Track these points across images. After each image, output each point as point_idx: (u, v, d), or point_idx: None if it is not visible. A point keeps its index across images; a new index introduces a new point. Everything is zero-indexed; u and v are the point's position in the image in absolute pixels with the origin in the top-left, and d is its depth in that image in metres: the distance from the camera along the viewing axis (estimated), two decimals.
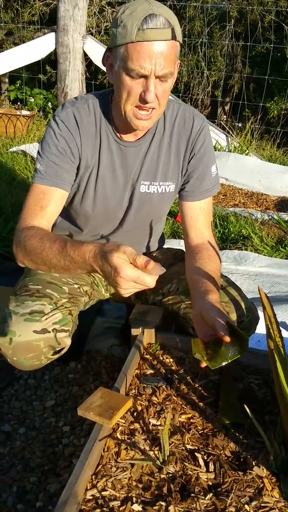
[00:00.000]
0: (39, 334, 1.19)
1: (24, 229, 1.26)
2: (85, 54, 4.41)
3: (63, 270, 1.20)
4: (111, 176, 1.35)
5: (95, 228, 1.46)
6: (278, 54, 6.67)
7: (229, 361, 1.06)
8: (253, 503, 0.91)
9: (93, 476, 0.96)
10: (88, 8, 4.49)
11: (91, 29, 5.36)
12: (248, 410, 1.02)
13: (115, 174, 1.35)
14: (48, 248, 1.18)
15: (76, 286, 1.39)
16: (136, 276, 0.99)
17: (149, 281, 1.00)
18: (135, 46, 1.10)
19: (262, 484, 0.95)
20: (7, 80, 7.37)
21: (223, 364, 1.06)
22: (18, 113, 4.84)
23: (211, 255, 1.35)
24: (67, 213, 1.48)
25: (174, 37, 1.12)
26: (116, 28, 1.13)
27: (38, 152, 1.32)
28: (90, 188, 1.36)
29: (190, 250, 1.40)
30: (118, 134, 1.32)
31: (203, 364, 1.09)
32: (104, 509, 0.90)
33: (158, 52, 1.10)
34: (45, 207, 1.28)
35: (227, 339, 1.04)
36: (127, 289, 1.03)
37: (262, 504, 0.91)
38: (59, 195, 1.30)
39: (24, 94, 6.50)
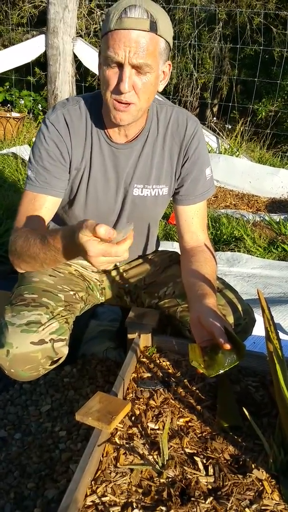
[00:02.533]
0: (37, 346, 1.18)
1: (13, 234, 1.27)
2: (75, 56, 4.39)
3: (53, 262, 1.18)
4: (102, 178, 1.34)
5: None
6: (267, 56, 6.70)
7: (227, 368, 1.05)
8: (254, 506, 0.91)
9: (92, 482, 0.96)
10: (78, 10, 4.48)
11: (80, 31, 5.35)
12: (246, 413, 1.02)
13: (106, 176, 1.34)
14: (33, 244, 1.16)
15: (72, 292, 1.38)
16: (103, 250, 0.95)
17: (118, 251, 0.95)
18: (112, 34, 1.11)
19: (262, 487, 0.95)
20: None
21: (220, 372, 1.05)
22: (7, 115, 4.81)
23: (207, 258, 1.34)
24: (59, 217, 1.47)
25: (153, 30, 1.11)
26: (104, 22, 1.15)
27: (29, 159, 1.32)
28: (82, 190, 1.35)
29: (186, 253, 1.40)
30: (109, 136, 1.31)
31: (200, 371, 1.09)
32: None
33: (132, 40, 1.10)
34: (36, 212, 1.29)
35: (227, 346, 1.04)
36: (101, 265, 0.99)
37: (262, 507, 0.91)
38: (50, 202, 1.31)
39: (13, 96, 6.46)
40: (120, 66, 1.13)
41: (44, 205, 1.30)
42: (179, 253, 1.50)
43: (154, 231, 1.53)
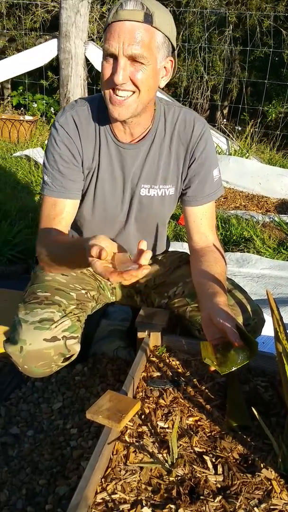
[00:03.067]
0: (49, 342, 1.19)
1: (39, 242, 1.34)
2: (86, 60, 4.41)
3: (78, 269, 1.33)
4: (110, 178, 1.34)
5: (96, 231, 1.45)
6: (276, 59, 6.66)
7: (239, 366, 1.05)
8: (262, 505, 0.91)
9: (102, 479, 0.96)
10: (89, 14, 4.49)
11: (92, 35, 5.36)
12: (255, 413, 1.01)
13: (113, 176, 1.34)
14: (58, 257, 1.25)
15: (83, 291, 1.38)
16: (103, 272, 0.98)
17: (111, 278, 0.98)
18: (109, 28, 1.13)
19: (271, 486, 0.94)
20: (9, 86, 7.37)
21: (233, 369, 1.05)
22: (21, 118, 4.84)
23: (217, 258, 1.34)
24: None
25: (148, 21, 1.11)
26: None
27: (44, 163, 1.33)
28: (90, 191, 1.36)
29: (195, 253, 1.39)
30: (116, 135, 1.30)
31: (212, 368, 1.09)
32: None
33: (126, 30, 1.10)
34: (57, 217, 1.32)
35: (240, 343, 1.04)
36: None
37: (271, 507, 0.91)
38: (69, 205, 1.33)
39: (26, 99, 6.50)
40: (115, 58, 1.13)
41: (64, 209, 1.33)
42: (189, 253, 1.49)
43: (162, 232, 1.53)
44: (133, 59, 1.12)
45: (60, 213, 1.32)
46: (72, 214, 1.35)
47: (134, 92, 1.16)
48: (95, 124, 1.30)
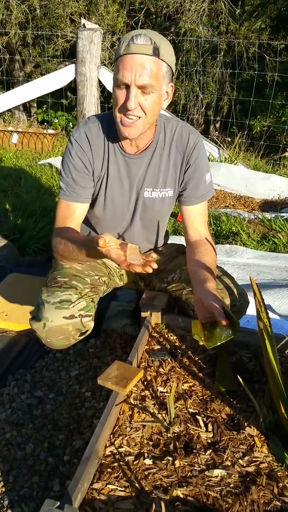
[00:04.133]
0: (68, 320, 1.18)
1: (54, 237, 1.32)
2: (99, 82, 4.35)
3: (89, 262, 1.34)
4: (118, 184, 1.33)
5: (107, 228, 1.44)
6: (261, 80, 6.56)
7: (223, 341, 1.04)
8: (246, 458, 0.90)
9: (111, 435, 0.95)
10: (102, 43, 4.43)
11: (104, 61, 5.29)
12: (240, 380, 1.00)
13: (121, 182, 1.33)
14: (72, 251, 1.23)
15: (96, 277, 1.37)
16: (116, 258, 1.01)
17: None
18: (121, 59, 1.10)
19: (253, 442, 0.93)
20: (35, 104, 7.33)
21: (218, 344, 1.04)
22: (44, 132, 4.80)
23: (208, 249, 1.32)
24: (85, 218, 1.46)
25: (156, 54, 1.09)
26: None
27: (60, 172, 1.33)
28: (101, 194, 1.35)
29: (190, 245, 1.37)
30: (123, 147, 1.29)
31: (201, 343, 1.07)
32: (121, 463, 0.89)
33: (137, 64, 1.08)
34: (70, 217, 1.32)
35: (224, 322, 1.02)
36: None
37: (253, 459, 0.90)
38: (80, 207, 1.33)
39: (49, 116, 6.46)
40: (128, 87, 1.11)
41: (76, 211, 1.32)
42: (185, 245, 1.48)
43: (162, 228, 1.51)
44: (143, 88, 1.11)
45: (72, 214, 1.32)
46: (82, 215, 1.35)
47: (141, 116, 1.15)
48: (104, 138, 1.28)
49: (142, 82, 1.09)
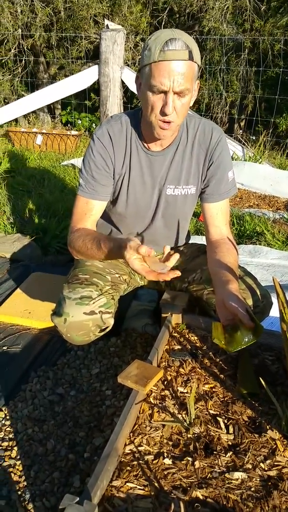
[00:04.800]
0: (88, 316, 1.19)
1: (73, 232, 1.33)
2: (122, 82, 4.37)
3: (106, 260, 1.32)
4: (140, 181, 1.33)
5: (129, 226, 1.45)
6: (286, 77, 6.44)
7: (244, 346, 1.02)
8: (267, 462, 0.88)
9: (130, 434, 0.95)
10: (125, 44, 4.45)
11: (127, 61, 5.31)
12: (263, 382, 0.99)
13: (143, 179, 1.33)
14: (90, 248, 1.25)
15: (117, 275, 1.38)
16: (140, 269, 1.05)
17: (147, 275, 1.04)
18: (157, 65, 1.08)
19: (275, 446, 0.92)
20: (59, 106, 7.43)
21: (238, 348, 1.02)
22: (68, 133, 4.86)
23: (229, 249, 1.31)
24: (107, 215, 1.47)
25: (191, 58, 1.08)
26: (144, 52, 1.12)
27: (81, 169, 1.34)
28: (123, 192, 1.35)
29: (211, 244, 1.36)
30: (146, 145, 1.29)
31: (221, 346, 1.06)
32: (140, 461, 0.89)
33: (176, 70, 1.07)
34: (88, 213, 1.34)
35: (250, 324, 1.01)
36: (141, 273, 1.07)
37: (275, 463, 0.88)
38: (98, 205, 1.34)
39: (73, 117, 6.53)
40: (164, 92, 1.11)
41: (94, 208, 1.34)
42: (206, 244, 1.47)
43: (184, 226, 1.50)
44: (180, 93, 1.11)
45: (90, 210, 1.33)
46: (99, 213, 1.36)
47: (175, 119, 1.16)
48: (127, 136, 1.29)
49: (180, 88, 1.10)
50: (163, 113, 1.13)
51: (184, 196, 1.37)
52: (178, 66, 1.07)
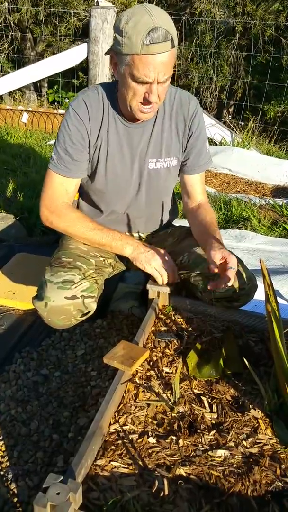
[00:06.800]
0: (70, 300, 1.18)
1: (66, 211, 1.30)
2: None
3: (98, 247, 1.34)
4: (119, 153, 1.31)
5: (110, 204, 1.41)
6: (276, 64, 6.38)
7: (206, 378, 1.06)
8: (250, 440, 0.90)
9: (115, 413, 0.95)
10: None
11: None
12: (246, 362, 1.00)
13: (122, 151, 1.31)
14: (93, 235, 1.30)
15: (101, 259, 1.36)
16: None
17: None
18: (140, 58, 1.07)
19: (257, 424, 0.93)
20: (46, 84, 7.24)
21: (201, 378, 1.06)
22: (55, 111, 4.76)
23: (207, 209, 1.39)
24: (86, 194, 1.44)
25: (173, 46, 1.08)
26: (121, 37, 1.07)
27: (55, 142, 1.30)
28: (101, 165, 1.33)
29: (191, 211, 1.43)
30: (123, 117, 1.28)
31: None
32: (125, 440, 0.89)
33: (160, 63, 1.07)
34: (63, 191, 1.31)
35: (234, 267, 1.11)
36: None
37: (257, 440, 0.90)
38: (73, 183, 1.32)
39: (60, 96, 6.39)
40: (149, 83, 1.12)
41: (69, 186, 1.31)
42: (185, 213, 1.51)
43: (168, 201, 1.50)
44: (163, 81, 1.13)
45: (65, 189, 1.31)
46: (75, 189, 1.35)
47: (157, 102, 1.17)
48: (104, 106, 1.28)
49: (164, 78, 1.11)
50: (146, 100, 1.14)
51: (167, 169, 1.37)
52: (163, 58, 1.07)
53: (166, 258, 1.30)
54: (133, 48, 1.05)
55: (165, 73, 1.10)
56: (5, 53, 6.01)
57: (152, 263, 1.28)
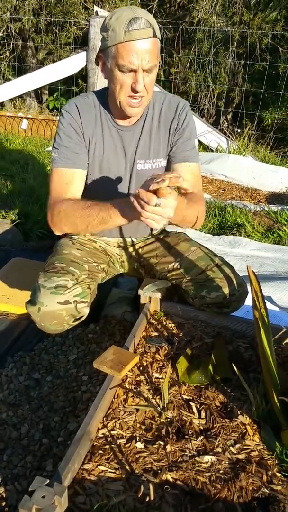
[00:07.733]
0: (62, 305, 1.17)
1: (63, 201, 1.27)
2: None
3: (99, 224, 1.23)
4: (113, 156, 1.34)
5: None
6: (273, 72, 6.42)
7: (196, 384, 1.06)
8: (237, 445, 0.89)
9: (104, 418, 0.95)
10: None
11: None
12: (235, 368, 0.99)
13: (116, 151, 1.34)
14: (84, 207, 1.23)
15: (94, 264, 1.36)
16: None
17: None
18: (123, 46, 1.10)
19: (245, 430, 0.93)
20: (47, 91, 7.27)
21: (190, 383, 1.06)
22: (54, 118, 4.78)
23: (198, 196, 1.36)
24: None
25: (155, 35, 1.12)
26: (106, 32, 1.13)
27: (53, 144, 1.32)
28: (96, 167, 1.34)
29: None
30: (115, 121, 1.31)
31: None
32: (113, 445, 0.89)
33: (143, 49, 1.10)
34: (69, 183, 1.30)
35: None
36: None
37: (244, 446, 0.89)
38: (77, 173, 1.31)
39: (60, 103, 6.42)
40: (134, 71, 1.14)
41: (73, 177, 1.30)
42: (186, 234, 1.47)
43: None
44: (148, 70, 1.15)
45: (70, 181, 1.30)
46: (81, 182, 1.33)
47: (144, 95, 1.19)
48: (96, 110, 1.31)
49: (149, 66, 1.13)
50: (134, 90, 1.16)
51: (155, 170, 1.38)
52: (145, 44, 1.10)
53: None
54: (117, 38, 1.10)
55: (149, 60, 1.12)
56: (6, 61, 6.06)
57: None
